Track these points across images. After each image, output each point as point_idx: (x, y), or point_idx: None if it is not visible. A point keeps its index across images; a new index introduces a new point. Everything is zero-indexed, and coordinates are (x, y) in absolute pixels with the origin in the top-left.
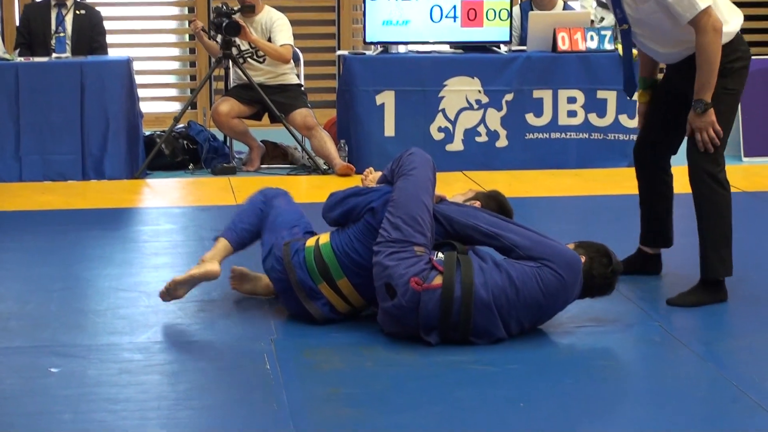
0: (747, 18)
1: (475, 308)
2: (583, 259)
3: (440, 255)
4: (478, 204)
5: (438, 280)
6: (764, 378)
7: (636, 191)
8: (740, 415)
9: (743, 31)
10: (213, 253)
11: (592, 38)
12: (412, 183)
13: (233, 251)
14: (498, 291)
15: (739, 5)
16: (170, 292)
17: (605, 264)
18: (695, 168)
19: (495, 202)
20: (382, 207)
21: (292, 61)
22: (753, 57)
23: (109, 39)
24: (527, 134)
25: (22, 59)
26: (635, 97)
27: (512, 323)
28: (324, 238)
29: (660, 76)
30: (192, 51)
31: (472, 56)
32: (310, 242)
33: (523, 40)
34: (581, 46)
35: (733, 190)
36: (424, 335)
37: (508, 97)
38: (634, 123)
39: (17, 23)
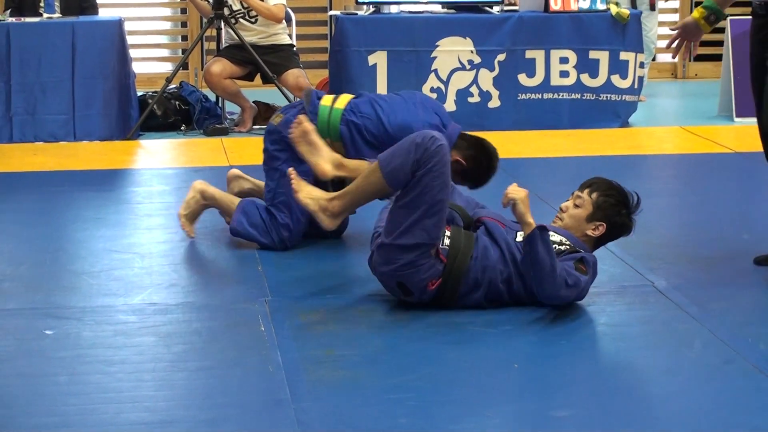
0: None
1: (465, 289)
2: (600, 229)
3: (446, 241)
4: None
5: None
6: (757, 339)
7: (628, 152)
8: (733, 377)
9: None
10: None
11: None
12: (443, 186)
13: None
14: (497, 277)
15: None
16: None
17: (625, 215)
18: None
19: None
20: None
21: (284, 21)
22: (743, 17)
23: None
24: (519, 95)
25: (13, 20)
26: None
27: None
28: (341, 102)
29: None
30: (183, 11)
31: (465, 16)
32: (326, 101)
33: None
34: (573, 6)
35: (725, 150)
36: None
37: (501, 57)
38: (626, 83)
39: None
